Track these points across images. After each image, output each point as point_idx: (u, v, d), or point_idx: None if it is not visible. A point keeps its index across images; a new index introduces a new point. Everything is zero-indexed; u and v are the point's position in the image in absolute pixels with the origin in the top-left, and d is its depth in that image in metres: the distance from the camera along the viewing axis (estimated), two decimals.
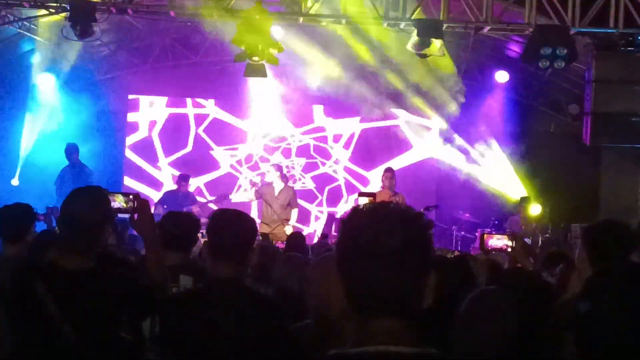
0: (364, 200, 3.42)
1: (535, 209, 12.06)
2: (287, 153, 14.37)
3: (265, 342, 2.95)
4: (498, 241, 4.43)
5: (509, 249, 4.34)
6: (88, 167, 12.09)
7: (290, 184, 12.25)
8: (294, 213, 11.53)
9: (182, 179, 12.32)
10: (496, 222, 12.24)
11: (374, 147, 14.29)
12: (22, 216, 4.62)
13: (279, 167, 11.82)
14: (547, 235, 11.77)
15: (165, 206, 11.42)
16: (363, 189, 13.77)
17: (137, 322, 3.28)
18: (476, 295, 2.96)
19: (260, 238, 8.12)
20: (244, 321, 2.97)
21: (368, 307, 1.68)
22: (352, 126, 14.34)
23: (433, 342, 1.72)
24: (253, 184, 12.19)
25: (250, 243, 3.16)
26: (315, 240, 11.33)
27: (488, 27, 10.41)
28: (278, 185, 11.48)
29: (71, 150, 11.99)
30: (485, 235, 4.49)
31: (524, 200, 12.30)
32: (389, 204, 1.75)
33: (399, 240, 1.65)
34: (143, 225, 3.36)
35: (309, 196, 14.19)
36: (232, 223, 3.12)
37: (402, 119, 14.26)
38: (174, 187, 12.65)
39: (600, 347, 1.86)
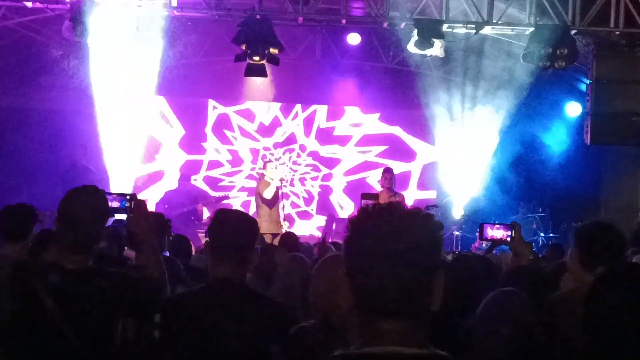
0: (367, 202, 3.39)
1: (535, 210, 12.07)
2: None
3: (267, 343, 2.95)
4: (497, 231, 4.40)
5: (509, 239, 4.32)
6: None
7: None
8: None
9: (183, 179, 12.31)
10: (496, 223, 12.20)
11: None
12: (24, 216, 4.62)
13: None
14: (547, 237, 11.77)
15: (167, 206, 11.42)
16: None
17: (139, 323, 3.26)
18: (493, 297, 2.95)
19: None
20: (245, 321, 2.97)
21: (375, 307, 1.67)
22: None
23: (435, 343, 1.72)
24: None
25: (251, 243, 3.15)
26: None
27: (488, 27, 10.41)
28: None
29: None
30: (484, 225, 4.47)
31: (524, 201, 12.30)
32: (397, 204, 1.74)
33: (405, 241, 1.64)
34: (140, 225, 3.36)
35: None
36: (233, 223, 3.11)
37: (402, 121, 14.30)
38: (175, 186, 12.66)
39: (610, 346, 1.85)
